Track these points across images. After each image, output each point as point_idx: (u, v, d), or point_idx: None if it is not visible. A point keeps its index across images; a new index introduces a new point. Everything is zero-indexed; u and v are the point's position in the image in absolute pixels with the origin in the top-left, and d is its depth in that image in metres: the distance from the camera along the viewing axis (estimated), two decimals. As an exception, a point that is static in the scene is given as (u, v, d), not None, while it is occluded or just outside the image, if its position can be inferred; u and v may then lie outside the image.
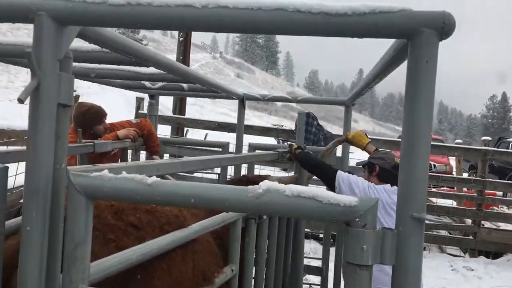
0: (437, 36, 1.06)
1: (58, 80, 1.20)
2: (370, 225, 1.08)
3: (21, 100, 1.13)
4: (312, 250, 6.90)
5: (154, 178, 1.16)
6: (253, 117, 42.90)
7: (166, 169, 1.84)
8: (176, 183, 1.17)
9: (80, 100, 8.02)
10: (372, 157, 3.28)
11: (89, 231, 1.19)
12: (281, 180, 3.26)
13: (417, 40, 1.07)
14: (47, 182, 1.19)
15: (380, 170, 3.19)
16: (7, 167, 1.22)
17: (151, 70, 2.61)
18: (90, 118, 3.53)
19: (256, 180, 3.01)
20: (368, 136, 3.71)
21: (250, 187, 1.15)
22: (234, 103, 4.12)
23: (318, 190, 1.12)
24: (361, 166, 3.51)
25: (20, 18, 1.19)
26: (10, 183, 3.43)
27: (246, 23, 1.13)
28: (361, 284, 1.09)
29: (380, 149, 3.52)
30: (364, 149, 3.58)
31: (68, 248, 1.16)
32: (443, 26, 1.05)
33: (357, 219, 1.08)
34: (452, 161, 13.47)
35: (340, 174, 3.15)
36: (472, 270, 6.70)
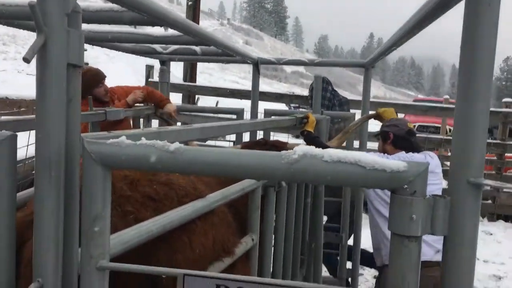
0: (502, -27, 0.91)
1: (66, 37, 1.08)
2: (420, 192, 0.96)
3: (26, 60, 1.02)
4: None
5: (177, 144, 1.04)
6: (263, 84, 42.56)
7: (185, 135, 1.72)
8: (202, 149, 1.05)
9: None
10: (385, 125, 3.17)
11: (107, 203, 1.08)
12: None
13: (477, -21, 0.92)
14: (60, 150, 1.08)
15: (394, 137, 3.10)
16: (16, 135, 1.11)
17: (163, 32, 2.48)
18: (89, 81, 3.38)
19: (276, 144, 2.90)
20: (386, 101, 3.58)
21: (283, 152, 1.03)
22: (243, 71, 3.98)
23: (360, 154, 1.00)
24: (374, 136, 3.38)
25: (21, -33, 1.06)
26: (22, 154, 3.37)
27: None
28: (410, 257, 0.98)
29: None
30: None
31: (86, 222, 1.06)
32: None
33: (406, 186, 0.96)
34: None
35: None
36: (491, 234, 6.63)
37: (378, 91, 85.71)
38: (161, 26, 1.92)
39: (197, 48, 3.15)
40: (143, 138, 1.08)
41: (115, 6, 1.63)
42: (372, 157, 0.99)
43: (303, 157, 1.00)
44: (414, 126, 13.48)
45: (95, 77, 3.48)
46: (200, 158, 1.03)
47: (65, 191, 1.11)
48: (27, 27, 2.13)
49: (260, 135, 3.96)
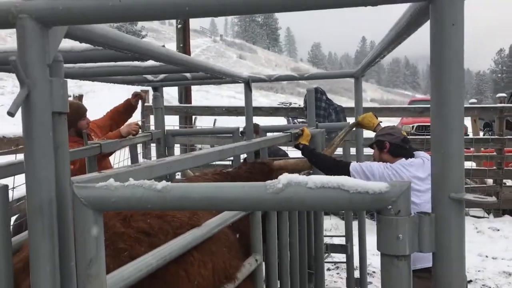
0: (462, -6, 0.94)
1: (49, 87, 1.11)
2: (404, 211, 0.98)
3: (11, 114, 1.04)
4: (333, 226, 6.85)
5: (163, 183, 1.07)
6: (260, 97, 42.70)
7: (178, 166, 1.74)
8: (188, 186, 1.08)
9: (84, 99, 7.97)
10: (380, 134, 3.22)
11: (101, 245, 1.10)
12: (287, 163, 3.17)
13: (439, 1, 0.95)
14: (51, 197, 1.11)
15: (390, 146, 3.15)
16: (7, 186, 1.14)
17: (151, 62, 2.51)
18: (73, 114, 3.48)
19: (264, 162, 2.95)
20: (380, 105, 3.65)
21: (268, 182, 1.05)
22: (240, 86, 4.03)
23: (343, 179, 1.02)
24: (369, 146, 3.41)
25: (1, 24, 1.09)
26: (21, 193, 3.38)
27: (250, 3, 1.02)
28: (400, 275, 0.99)
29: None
30: (374, 130, 3.51)
31: (81, 266, 1.08)
32: (467, -18, 0.94)
33: (389, 207, 0.98)
34: (467, 121, 13.25)
35: (353, 168, 3.09)
36: (498, 230, 6.60)
37: (375, 93, 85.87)
38: (145, 60, 1.95)
39: (187, 74, 3.19)
40: (131, 179, 1.10)
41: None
42: (355, 181, 1.01)
43: (288, 185, 1.03)
44: (413, 127, 13.52)
45: (78, 111, 3.58)
46: (187, 195, 1.06)
47: (58, 236, 1.13)
48: (10, 71, 2.16)
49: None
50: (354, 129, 3.78)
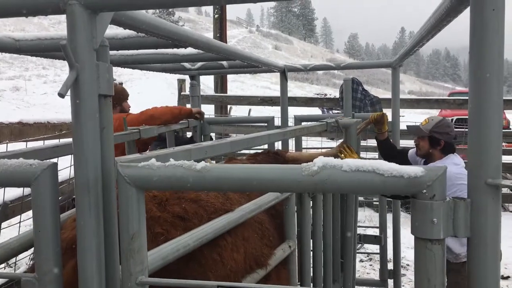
0: (504, -22, 0.93)
1: (96, 71, 1.16)
2: (439, 195, 0.99)
3: (61, 95, 1.11)
4: (367, 218, 6.80)
5: (202, 164, 1.11)
6: (294, 88, 42.51)
7: (214, 151, 1.79)
8: (226, 167, 1.12)
9: (125, 86, 8.16)
10: (437, 132, 3.21)
11: (143, 221, 1.16)
12: (302, 156, 3.17)
13: (480, -15, 0.94)
14: (97, 175, 1.17)
15: (445, 144, 3.23)
16: (56, 164, 1.20)
17: (189, 50, 2.56)
18: (119, 95, 3.66)
19: (278, 152, 2.96)
20: (418, 97, 3.67)
21: (304, 164, 1.07)
22: (275, 76, 4.03)
23: (378, 162, 1.03)
24: (418, 136, 3.39)
25: (52, 10, 1.15)
26: (66, 175, 3.53)
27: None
28: (434, 259, 1.00)
29: (430, 117, 3.40)
30: (382, 131, 3.61)
31: (124, 241, 1.14)
32: (510, -34, 0.92)
33: (424, 191, 0.99)
34: (509, 115, 12.82)
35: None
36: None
37: (414, 85, 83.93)
38: (184, 47, 2.00)
39: (224, 62, 3.23)
40: (171, 159, 1.15)
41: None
42: (390, 165, 1.02)
43: (323, 168, 1.05)
44: (452, 120, 13.19)
45: (123, 92, 3.72)
46: (225, 175, 1.10)
47: (104, 212, 1.20)
48: (61, 57, 2.26)
49: (292, 140, 4.00)
50: (368, 126, 3.73)
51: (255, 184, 1.09)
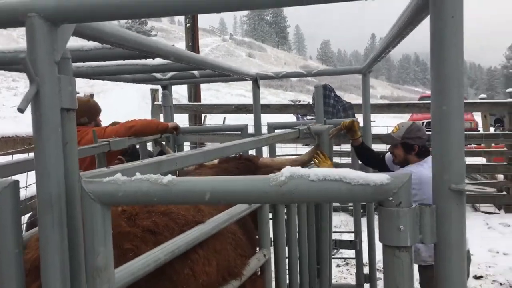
0: (461, -13, 0.95)
1: (58, 84, 1.13)
2: (405, 203, 1.00)
3: (21, 110, 1.07)
4: (343, 223, 6.84)
5: (169, 177, 1.09)
6: (269, 95, 42.66)
7: (186, 162, 1.77)
8: (193, 180, 1.10)
9: (95, 99, 8.04)
10: (409, 137, 3.24)
11: (109, 238, 1.13)
12: (274, 162, 3.16)
13: (438, -5, 0.96)
14: (60, 191, 1.14)
15: (419, 148, 3.25)
16: (17, 181, 1.17)
17: (159, 61, 2.54)
18: (93, 109, 3.63)
19: (249, 158, 2.96)
20: (390, 102, 3.69)
21: (271, 175, 1.07)
22: (249, 84, 4.03)
23: (345, 171, 1.03)
24: (391, 146, 3.42)
25: (10, 23, 1.12)
26: (22, 194, 3.44)
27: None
28: (402, 266, 1.01)
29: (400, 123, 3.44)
30: (355, 138, 3.63)
31: (90, 259, 1.11)
32: (466, -25, 0.94)
33: (391, 198, 1.00)
34: (477, 117, 13.14)
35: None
36: (509, 226, 6.55)
37: (385, 90, 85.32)
38: (153, 58, 1.98)
39: (195, 72, 3.21)
40: (137, 173, 1.13)
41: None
42: (356, 173, 1.02)
43: (290, 178, 1.04)
44: (423, 123, 13.45)
45: (97, 106, 3.66)
46: (192, 188, 1.08)
47: (68, 229, 1.16)
48: (20, 71, 2.21)
49: (266, 147, 4.01)
50: (341, 132, 3.76)
51: (223, 196, 1.08)
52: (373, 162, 3.74)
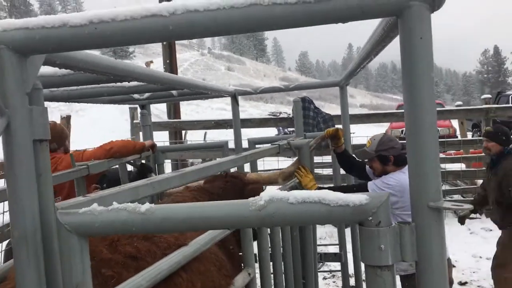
0: (428, 8, 0.97)
1: (29, 115, 1.11)
2: (384, 222, 1.00)
3: (-8, 144, 1.05)
4: (328, 234, 6.85)
5: (147, 205, 1.08)
6: (250, 108, 42.76)
7: (163, 185, 1.75)
8: (171, 207, 1.09)
9: (75, 117, 7.95)
10: (382, 149, 3.26)
11: (87, 270, 1.11)
12: (261, 177, 3.14)
13: (407, 16, 0.97)
14: (35, 225, 1.11)
15: (394, 158, 3.26)
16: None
17: (135, 82, 2.52)
18: (61, 135, 3.59)
19: (235, 175, 2.93)
20: (370, 111, 3.73)
21: (251, 199, 1.06)
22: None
23: (324, 193, 1.03)
24: (368, 160, 3.44)
25: (-22, 55, 1.10)
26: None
27: (221, 25, 1.04)
28: (385, 285, 1.01)
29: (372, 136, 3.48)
30: (339, 145, 3.63)
31: (68, 292, 1.09)
32: (433, -4, 0.96)
33: (370, 218, 1.00)
34: (455, 122, 13.37)
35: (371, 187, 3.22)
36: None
37: (365, 99, 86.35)
38: (128, 81, 1.97)
39: (173, 91, 3.20)
40: (114, 202, 1.11)
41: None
42: (335, 194, 1.02)
43: (270, 202, 1.04)
44: (402, 131, 13.62)
45: (63, 130, 3.64)
46: (171, 216, 1.07)
47: (45, 263, 1.13)
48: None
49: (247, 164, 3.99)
50: (323, 143, 3.78)
51: (202, 223, 1.07)
52: (355, 169, 3.76)
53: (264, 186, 3.14)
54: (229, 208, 1.06)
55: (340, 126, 4.64)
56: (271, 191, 1.07)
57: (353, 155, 3.77)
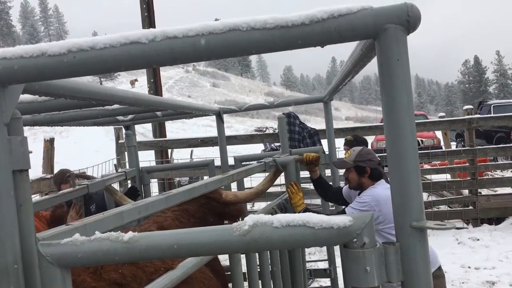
0: (404, 30, 0.98)
1: (8, 146, 1.10)
2: (369, 243, 1.00)
3: (-31, 176, 1.03)
4: (317, 249, 6.82)
5: (130, 234, 1.06)
6: (236, 124, 42.84)
7: (149, 209, 1.73)
8: (154, 234, 1.07)
9: (59, 138, 7.88)
10: (360, 160, 3.28)
11: (70, 302, 1.09)
12: (239, 196, 3.10)
13: (383, 39, 0.99)
14: (17, 258, 1.09)
15: (371, 170, 3.28)
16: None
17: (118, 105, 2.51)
18: (57, 178, 3.86)
19: (210, 196, 2.85)
20: (355, 124, 3.71)
21: (235, 224, 1.06)
22: (215, 113, 4.02)
23: (308, 216, 1.03)
24: (345, 170, 3.45)
25: (-45, 87, 1.09)
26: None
27: (200, 51, 1.04)
28: (371, 308, 1.00)
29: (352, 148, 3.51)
30: (314, 170, 3.62)
31: (51, 326, 1.06)
32: (408, 19, 0.98)
33: (355, 240, 1.00)
34: (439, 133, 13.53)
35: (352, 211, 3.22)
36: (478, 239, 6.68)
37: (350, 111, 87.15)
38: (110, 105, 1.96)
39: (157, 112, 3.19)
40: (96, 232, 1.09)
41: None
42: (319, 217, 1.02)
43: (254, 226, 1.03)
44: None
45: (60, 175, 3.72)
46: (154, 244, 1.05)
47: (27, 296, 1.11)
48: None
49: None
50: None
51: (187, 250, 1.06)
52: (331, 195, 3.77)
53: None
54: (213, 234, 1.05)
55: (325, 141, 4.67)
56: (255, 216, 1.06)
57: (327, 182, 3.79)
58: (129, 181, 4.27)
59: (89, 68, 1.06)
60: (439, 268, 3.23)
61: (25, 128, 1.30)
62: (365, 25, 0.98)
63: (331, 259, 4.10)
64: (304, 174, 4.10)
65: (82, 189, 3.09)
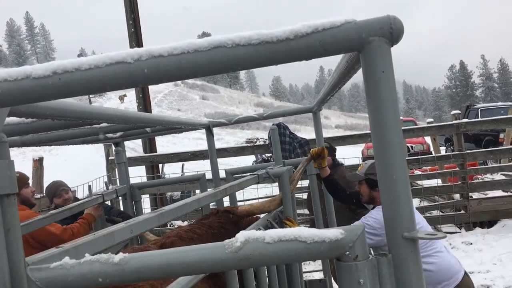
0: (387, 43, 0.99)
1: (-6, 170, 1.08)
2: (362, 255, 1.00)
3: (-45, 203, 1.02)
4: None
5: (120, 255, 1.05)
6: (226, 136, 42.82)
7: (141, 228, 1.71)
8: (145, 255, 1.06)
9: (49, 156, 7.82)
10: (370, 173, 3.29)
11: (61, 327, 1.07)
12: (253, 207, 3.11)
13: (368, 51, 1.00)
14: (5, 282, 1.07)
15: None
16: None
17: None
18: (20, 180, 3.69)
19: (227, 210, 2.87)
20: (344, 132, 3.76)
21: (226, 241, 1.05)
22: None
23: (299, 230, 1.03)
24: (357, 186, 3.48)
25: None
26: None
27: (186, 69, 1.04)
28: (366, 321, 1.00)
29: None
30: (322, 166, 3.63)
31: None
32: (391, 31, 0.99)
33: (347, 252, 1.00)
34: (428, 138, 13.64)
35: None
36: (471, 243, 6.70)
37: (339, 119, 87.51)
38: (98, 124, 1.95)
39: (147, 128, 3.18)
40: (86, 254, 1.08)
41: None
42: (311, 231, 1.02)
43: (246, 243, 1.03)
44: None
45: (20, 178, 3.63)
46: (146, 264, 1.04)
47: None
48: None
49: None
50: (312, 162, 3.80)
51: (178, 269, 1.04)
52: (342, 194, 3.77)
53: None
54: (205, 253, 1.04)
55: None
56: (246, 232, 1.06)
57: (338, 183, 3.80)
58: (120, 198, 4.24)
59: (74, 90, 1.06)
60: (466, 273, 3.22)
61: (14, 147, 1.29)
62: (349, 38, 0.99)
63: (325, 269, 4.09)
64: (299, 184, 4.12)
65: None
